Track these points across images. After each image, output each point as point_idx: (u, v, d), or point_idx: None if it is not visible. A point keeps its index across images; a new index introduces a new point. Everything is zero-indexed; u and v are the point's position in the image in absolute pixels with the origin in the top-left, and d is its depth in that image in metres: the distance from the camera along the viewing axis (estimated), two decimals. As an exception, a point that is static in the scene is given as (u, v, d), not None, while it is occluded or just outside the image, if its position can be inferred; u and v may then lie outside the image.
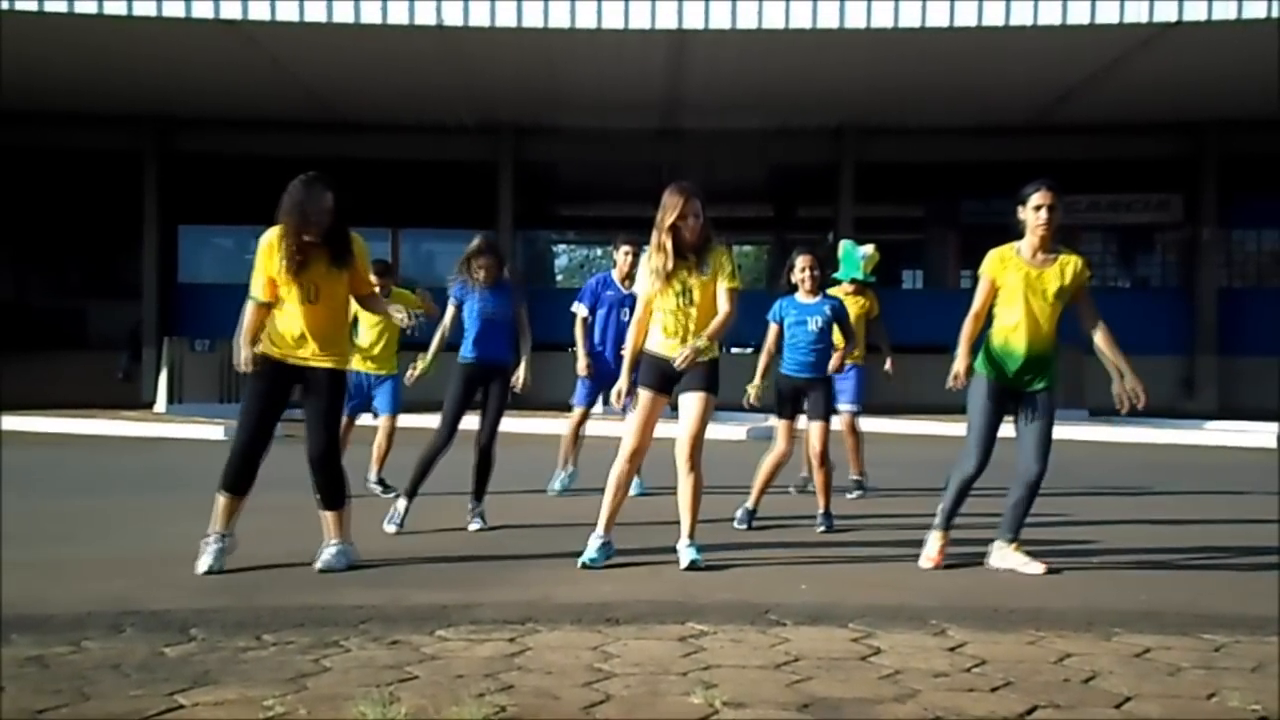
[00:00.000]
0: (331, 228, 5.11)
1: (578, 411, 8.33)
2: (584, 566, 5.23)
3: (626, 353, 5.47)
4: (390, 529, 6.34)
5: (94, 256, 25.47)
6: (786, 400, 6.75)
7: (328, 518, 5.24)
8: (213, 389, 17.23)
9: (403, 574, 5.13)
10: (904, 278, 28.02)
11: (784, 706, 3.09)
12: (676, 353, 5.23)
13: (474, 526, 6.48)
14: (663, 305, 5.30)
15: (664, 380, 5.32)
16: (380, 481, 8.07)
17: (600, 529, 5.36)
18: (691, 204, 5.22)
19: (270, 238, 5.14)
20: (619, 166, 24.44)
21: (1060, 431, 14.54)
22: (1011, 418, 5.39)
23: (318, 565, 5.15)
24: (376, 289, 5.69)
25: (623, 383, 5.41)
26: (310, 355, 5.15)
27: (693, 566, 5.21)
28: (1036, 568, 5.22)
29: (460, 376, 6.66)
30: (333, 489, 5.23)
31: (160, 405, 17.24)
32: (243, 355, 5.14)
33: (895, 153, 21.89)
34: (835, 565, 5.47)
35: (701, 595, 4.63)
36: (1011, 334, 5.32)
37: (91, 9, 14.62)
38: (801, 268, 6.79)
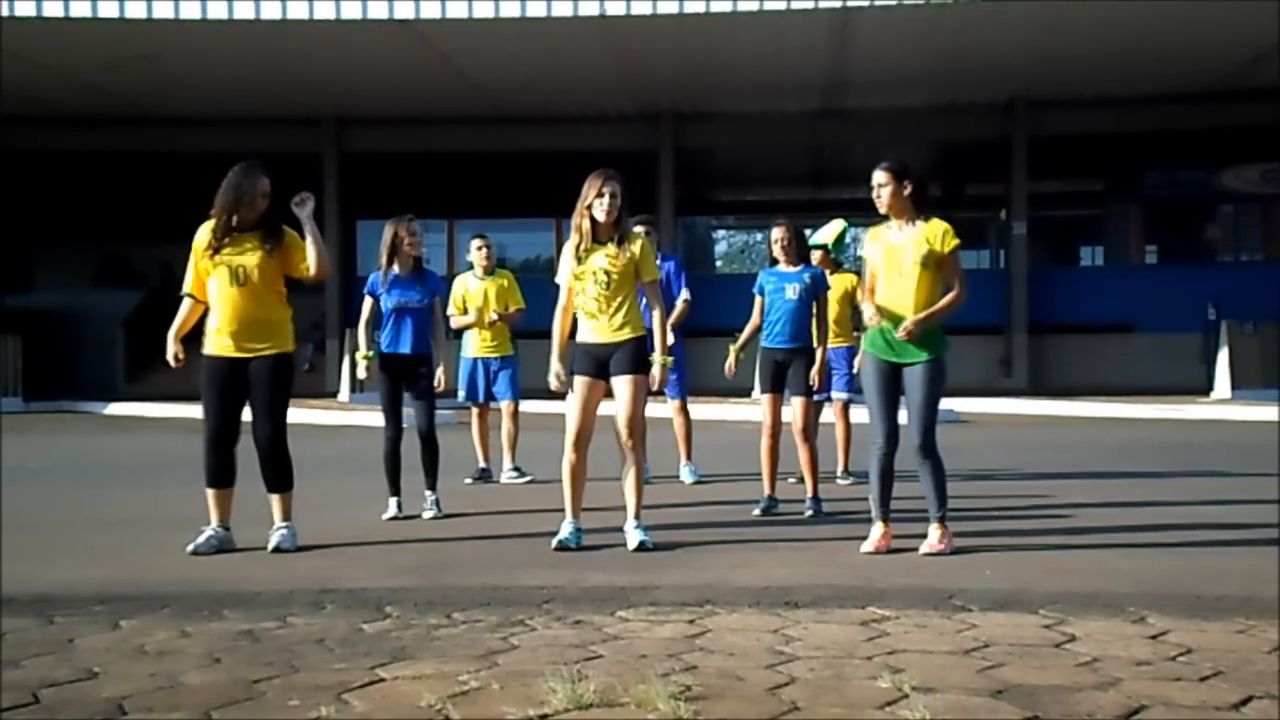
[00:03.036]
0: (267, 212, 5.33)
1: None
2: (560, 547, 5.30)
3: (555, 338, 5.51)
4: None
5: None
6: (768, 374, 6.64)
7: (275, 500, 5.42)
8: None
9: (579, 556, 5.23)
10: (1082, 254, 26.92)
11: (976, 692, 3.01)
12: (604, 337, 5.38)
13: (428, 515, 6.43)
14: (583, 292, 5.40)
15: (597, 365, 5.43)
16: (516, 469, 8.14)
17: (569, 515, 5.45)
18: (609, 185, 5.32)
19: (203, 231, 5.37)
20: (779, 150, 24.24)
21: (1263, 412, 13.52)
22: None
23: (270, 547, 5.33)
24: (312, 270, 5.53)
25: (556, 366, 5.47)
26: (250, 344, 5.29)
27: (641, 548, 5.28)
28: (929, 547, 5.16)
29: (381, 369, 6.65)
30: (280, 473, 5.41)
31: (344, 394, 18.00)
32: (170, 350, 5.38)
33: (1071, 125, 21.01)
34: (1019, 551, 5.30)
35: (880, 580, 4.56)
36: (881, 308, 5.26)
37: (276, 14, 15.35)
38: (777, 238, 6.80)
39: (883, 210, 5.29)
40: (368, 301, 6.73)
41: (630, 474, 5.44)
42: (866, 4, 15.07)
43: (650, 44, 17.15)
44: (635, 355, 5.42)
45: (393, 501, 6.50)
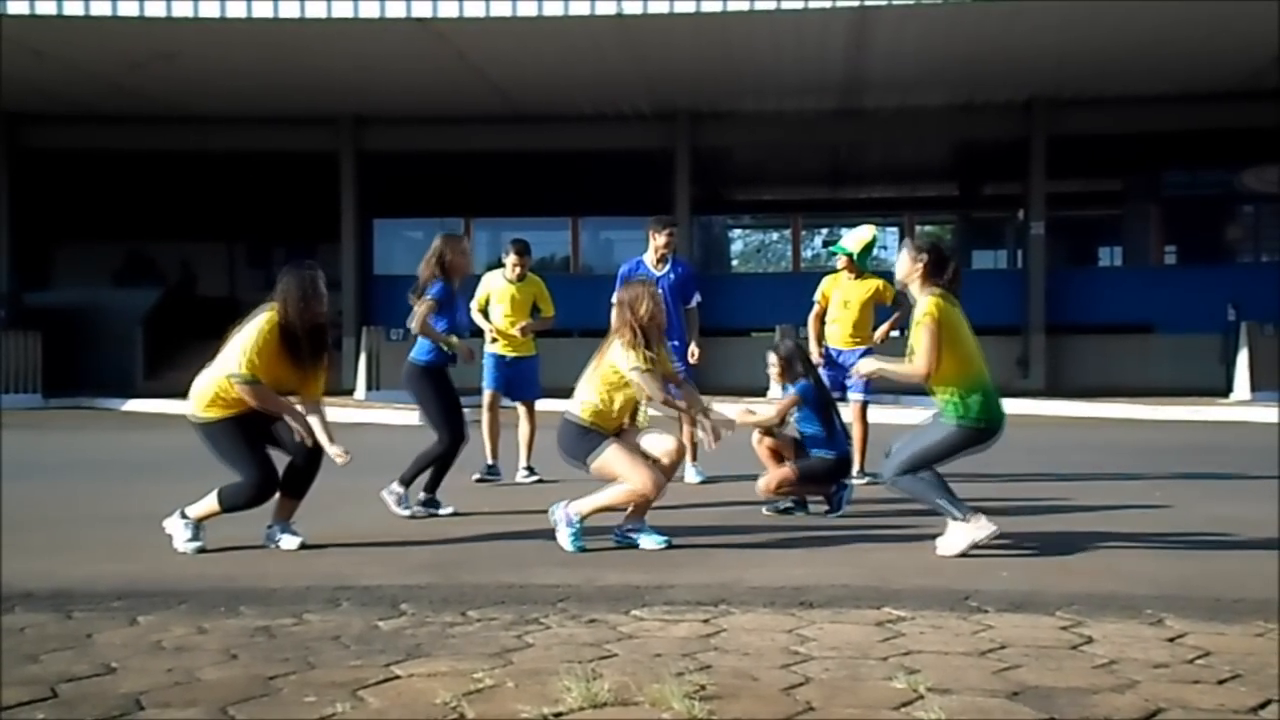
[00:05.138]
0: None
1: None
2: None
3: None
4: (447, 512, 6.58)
5: (296, 252, 26.86)
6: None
7: (286, 500, 5.48)
8: (407, 376, 17.88)
9: (593, 555, 5.23)
10: (1101, 255, 26.77)
11: (992, 694, 3.00)
12: None
13: (445, 511, 6.57)
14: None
15: None
16: (529, 469, 8.07)
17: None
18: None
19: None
20: (796, 149, 24.18)
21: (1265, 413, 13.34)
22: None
23: (294, 546, 5.38)
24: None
25: None
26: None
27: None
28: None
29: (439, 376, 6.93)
30: (305, 485, 5.52)
31: (360, 392, 18.03)
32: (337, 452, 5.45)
33: (1091, 124, 20.88)
34: (1036, 553, 5.27)
35: (896, 580, 4.55)
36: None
37: (294, 13, 15.39)
38: (772, 363, 6.91)
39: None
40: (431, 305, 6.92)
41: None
42: (884, 2, 15.00)
43: (667, 43, 17.11)
44: None
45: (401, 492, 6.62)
